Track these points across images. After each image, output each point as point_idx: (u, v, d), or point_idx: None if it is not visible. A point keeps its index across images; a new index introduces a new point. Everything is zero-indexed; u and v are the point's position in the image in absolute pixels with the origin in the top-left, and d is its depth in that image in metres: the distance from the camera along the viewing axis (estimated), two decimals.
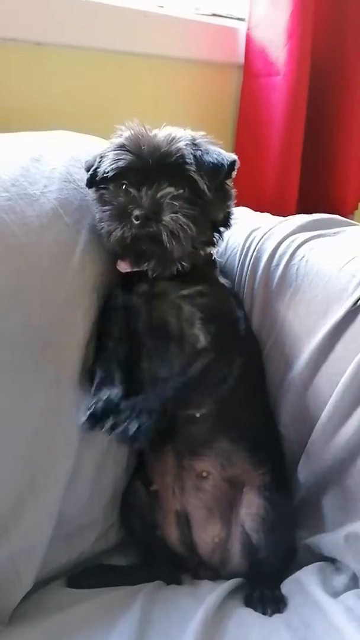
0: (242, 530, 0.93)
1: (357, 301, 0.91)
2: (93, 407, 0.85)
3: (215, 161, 0.89)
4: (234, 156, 0.92)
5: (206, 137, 0.93)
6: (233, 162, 0.92)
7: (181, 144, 0.87)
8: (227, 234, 0.99)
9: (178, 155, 0.87)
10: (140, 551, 1.00)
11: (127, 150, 0.88)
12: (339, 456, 0.93)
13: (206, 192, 0.88)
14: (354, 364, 0.89)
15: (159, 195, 0.85)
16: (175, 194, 0.86)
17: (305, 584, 0.90)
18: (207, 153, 0.89)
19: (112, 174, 0.88)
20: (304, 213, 1.09)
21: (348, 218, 1.12)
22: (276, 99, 1.44)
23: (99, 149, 0.93)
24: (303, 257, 0.99)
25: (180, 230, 0.85)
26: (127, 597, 0.88)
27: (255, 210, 1.16)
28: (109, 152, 0.90)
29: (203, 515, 0.95)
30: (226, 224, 0.96)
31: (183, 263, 0.89)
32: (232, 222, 0.97)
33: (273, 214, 1.13)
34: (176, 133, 0.89)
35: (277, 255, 1.00)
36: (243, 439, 0.95)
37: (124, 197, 0.87)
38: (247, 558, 0.93)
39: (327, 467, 0.94)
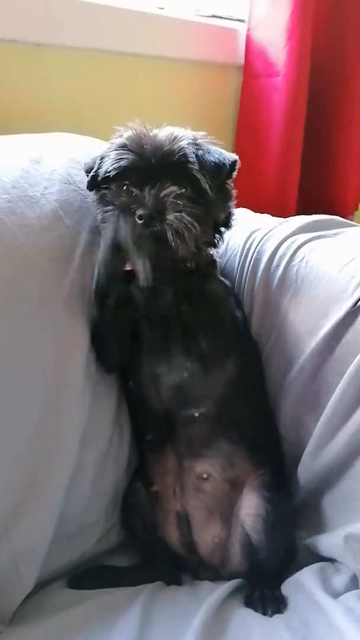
0: (242, 530, 0.93)
1: (357, 302, 0.91)
2: None
3: (217, 161, 0.89)
4: (235, 156, 0.92)
5: (207, 137, 0.93)
6: (234, 162, 0.92)
7: (183, 143, 0.87)
8: (227, 235, 0.99)
9: (180, 154, 0.87)
10: (141, 552, 1.00)
11: (129, 150, 0.88)
12: (339, 457, 0.93)
13: (208, 192, 0.88)
14: (354, 364, 0.89)
15: (162, 194, 0.85)
16: (178, 192, 0.86)
17: (305, 585, 0.90)
18: (209, 153, 0.89)
19: (114, 173, 0.88)
20: (304, 214, 1.09)
21: (348, 219, 1.12)
22: (276, 100, 1.44)
23: (99, 150, 0.93)
24: (303, 258, 0.99)
25: (184, 229, 0.85)
26: (128, 597, 0.88)
27: (255, 211, 1.16)
28: (110, 152, 0.90)
29: (203, 516, 0.95)
30: (227, 224, 0.96)
31: (186, 264, 0.89)
32: (232, 222, 0.97)
33: (273, 215, 1.13)
34: (178, 132, 0.89)
35: (277, 257, 1.01)
36: (242, 440, 0.95)
37: (126, 197, 0.87)
38: (247, 558, 0.93)
39: (327, 468, 0.95)
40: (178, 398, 0.93)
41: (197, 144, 0.89)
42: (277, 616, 0.87)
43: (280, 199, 1.48)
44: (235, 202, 0.96)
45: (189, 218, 0.85)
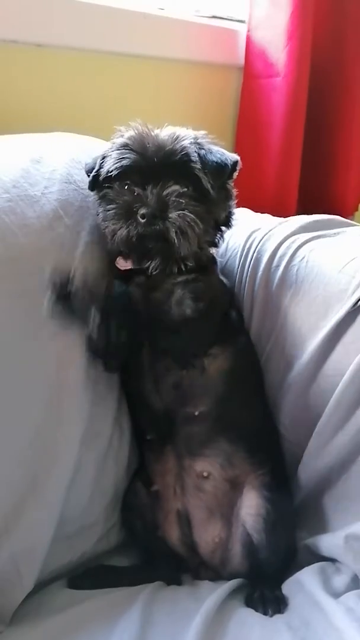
0: (243, 530, 0.93)
1: (357, 302, 0.91)
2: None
3: (219, 160, 0.90)
4: (236, 157, 0.93)
5: (208, 137, 0.93)
6: (236, 163, 0.92)
7: (185, 142, 0.88)
8: (228, 235, 0.99)
9: (183, 153, 0.87)
10: (141, 552, 1.00)
11: (131, 149, 0.88)
12: (339, 457, 0.93)
13: (210, 191, 0.88)
14: (354, 364, 0.89)
15: (164, 193, 0.85)
16: (180, 191, 0.86)
17: (305, 585, 0.90)
18: (211, 152, 0.90)
19: (116, 173, 0.88)
20: (304, 214, 1.09)
21: (348, 219, 1.12)
22: (276, 100, 1.44)
23: (100, 150, 0.94)
24: (303, 258, 0.99)
25: (187, 228, 0.85)
26: (128, 597, 0.87)
27: (256, 211, 1.16)
28: (112, 151, 0.90)
29: (204, 515, 0.95)
30: (228, 223, 0.97)
31: (187, 263, 0.89)
32: (233, 221, 0.97)
33: (273, 215, 1.13)
34: (180, 132, 0.90)
35: (277, 256, 1.01)
36: (242, 440, 0.95)
37: (128, 196, 0.87)
38: (247, 558, 0.93)
39: (327, 468, 0.95)
40: (177, 397, 0.93)
41: (199, 144, 0.90)
42: (277, 616, 0.87)
43: (281, 199, 1.48)
44: (235, 201, 0.97)
45: (191, 216, 0.85)
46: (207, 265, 0.95)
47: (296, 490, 1.00)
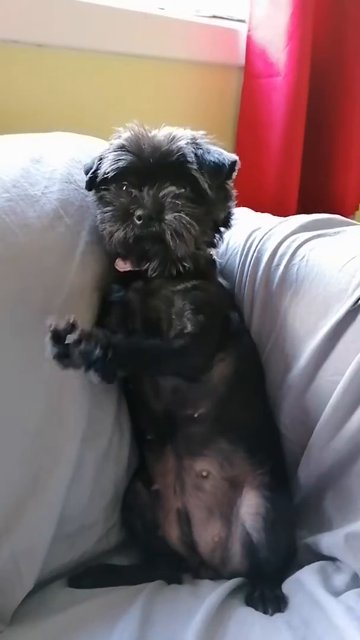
0: (243, 529, 0.93)
1: (357, 301, 0.91)
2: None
3: (217, 160, 0.89)
4: (235, 156, 0.92)
5: (206, 136, 0.93)
6: (234, 162, 0.92)
7: (182, 143, 0.87)
8: (228, 234, 0.99)
9: (179, 154, 0.87)
10: (141, 551, 1.00)
11: (128, 151, 0.88)
12: (340, 456, 0.93)
13: (207, 191, 0.88)
14: (354, 364, 0.89)
15: (161, 194, 0.85)
16: (177, 192, 0.86)
17: (306, 584, 0.90)
18: (209, 152, 0.89)
19: (112, 174, 0.88)
20: (304, 214, 1.09)
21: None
22: (276, 100, 1.44)
23: (98, 150, 0.94)
24: (303, 257, 0.99)
25: (183, 229, 0.85)
26: (128, 597, 0.88)
27: (256, 211, 1.16)
28: (108, 153, 0.90)
29: (203, 514, 0.95)
30: (227, 224, 0.96)
31: (185, 264, 0.89)
32: (232, 222, 0.97)
33: (273, 215, 1.13)
34: (176, 132, 0.89)
35: (277, 255, 1.01)
36: (242, 440, 0.95)
37: (125, 197, 0.87)
38: (247, 557, 0.93)
39: (327, 467, 0.95)
40: (177, 399, 0.93)
41: (196, 144, 0.89)
42: (277, 615, 0.87)
43: (281, 198, 1.49)
44: (235, 202, 0.97)
45: (187, 218, 0.85)
46: (205, 270, 0.95)
47: (296, 489, 1.00)
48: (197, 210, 0.87)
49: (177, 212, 0.85)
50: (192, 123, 0.94)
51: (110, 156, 0.89)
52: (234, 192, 0.96)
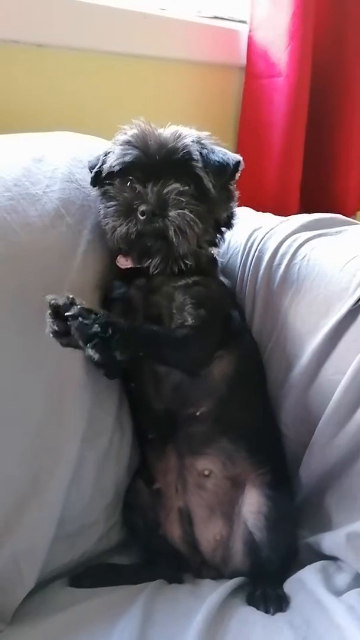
0: (244, 528, 0.93)
1: (359, 300, 0.91)
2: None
3: (221, 160, 0.90)
4: (239, 157, 0.93)
5: (211, 137, 0.94)
6: (238, 163, 0.92)
7: (187, 141, 0.88)
8: (229, 234, 0.99)
9: (185, 151, 0.87)
10: (142, 550, 1.00)
11: (134, 146, 0.88)
12: (341, 455, 0.93)
13: (211, 190, 0.88)
14: (355, 363, 0.89)
15: (165, 191, 0.86)
16: (181, 190, 0.86)
17: (307, 583, 0.90)
18: (213, 152, 0.90)
19: (118, 169, 0.88)
20: (306, 213, 1.09)
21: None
22: (278, 100, 1.44)
23: (101, 148, 0.94)
24: (305, 256, 0.99)
25: (186, 226, 0.85)
26: (129, 596, 0.87)
27: (257, 211, 1.16)
28: (114, 148, 0.90)
29: (205, 513, 0.95)
30: (229, 224, 0.97)
31: (186, 261, 0.89)
32: (234, 222, 0.97)
33: (275, 214, 1.13)
34: (182, 130, 0.90)
35: (278, 255, 1.01)
36: (243, 439, 0.95)
37: (129, 193, 0.87)
38: (249, 556, 0.93)
39: (329, 466, 0.95)
40: (178, 398, 0.93)
41: (201, 143, 0.90)
42: (279, 614, 0.87)
43: (282, 198, 1.49)
44: (237, 202, 0.97)
45: (191, 215, 0.85)
46: (207, 267, 0.95)
47: (298, 488, 1.00)
48: (200, 208, 0.87)
49: (181, 209, 0.85)
50: (194, 123, 0.94)
51: (117, 150, 0.89)
52: (237, 193, 0.96)
